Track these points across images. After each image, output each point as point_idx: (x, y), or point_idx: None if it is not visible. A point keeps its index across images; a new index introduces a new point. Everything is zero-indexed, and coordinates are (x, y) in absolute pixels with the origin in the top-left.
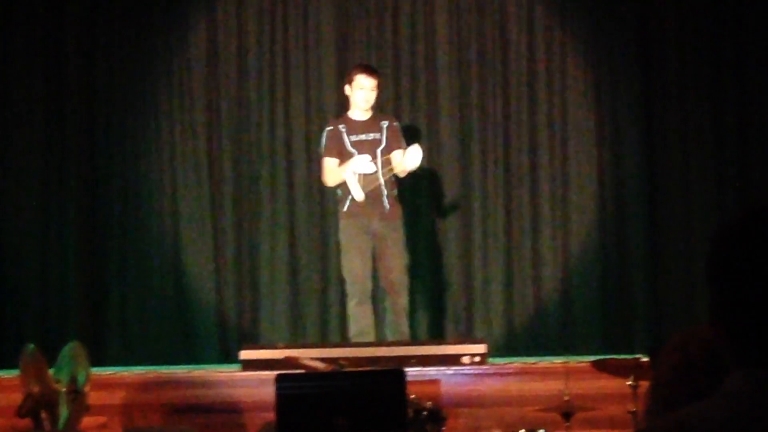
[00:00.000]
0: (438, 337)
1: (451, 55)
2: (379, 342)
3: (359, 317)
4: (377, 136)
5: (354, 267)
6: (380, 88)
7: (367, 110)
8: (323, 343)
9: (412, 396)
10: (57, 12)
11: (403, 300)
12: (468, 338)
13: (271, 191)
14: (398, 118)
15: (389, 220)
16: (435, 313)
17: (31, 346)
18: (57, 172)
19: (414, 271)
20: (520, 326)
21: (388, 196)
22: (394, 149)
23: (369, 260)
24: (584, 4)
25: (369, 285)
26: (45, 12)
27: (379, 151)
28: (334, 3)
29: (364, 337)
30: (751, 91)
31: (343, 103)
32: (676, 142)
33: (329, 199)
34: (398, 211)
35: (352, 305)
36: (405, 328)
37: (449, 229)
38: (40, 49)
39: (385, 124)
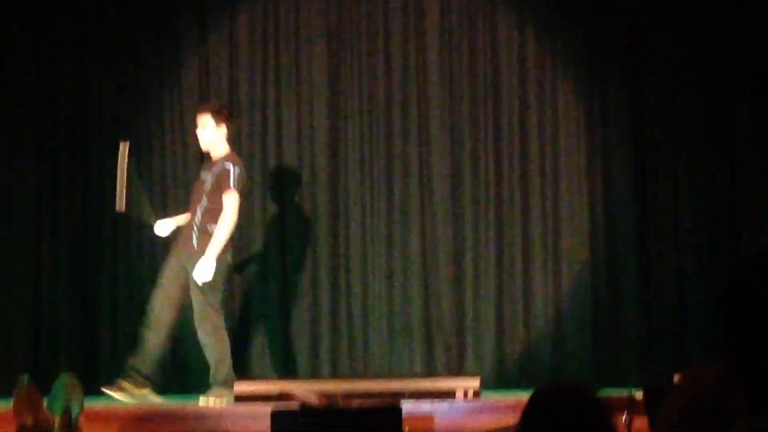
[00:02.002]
0: (430, 372)
1: (443, 89)
2: (372, 376)
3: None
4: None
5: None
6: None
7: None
8: (315, 377)
9: (407, 431)
10: (49, 42)
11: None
12: (462, 373)
13: (262, 226)
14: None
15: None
16: (426, 347)
17: (25, 376)
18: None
19: (406, 305)
20: (511, 361)
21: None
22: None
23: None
24: (576, 38)
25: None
26: (37, 43)
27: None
28: (326, 42)
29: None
30: (744, 123)
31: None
32: (668, 179)
33: (321, 228)
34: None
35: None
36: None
37: (441, 264)
38: (32, 80)
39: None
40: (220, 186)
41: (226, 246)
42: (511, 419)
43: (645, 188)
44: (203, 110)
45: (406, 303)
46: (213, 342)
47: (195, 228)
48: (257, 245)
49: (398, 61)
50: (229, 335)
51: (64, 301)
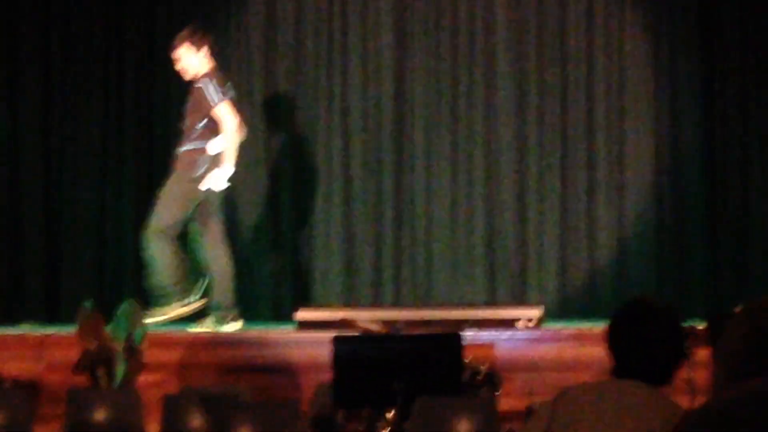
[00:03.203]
0: (492, 301)
1: (509, 32)
2: (434, 305)
3: None
4: None
5: None
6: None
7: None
8: (377, 305)
9: (468, 359)
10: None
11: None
12: (523, 302)
13: (326, 152)
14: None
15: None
16: (488, 276)
17: (89, 303)
18: (115, 133)
19: (469, 234)
20: (574, 291)
21: None
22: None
23: None
24: None
25: None
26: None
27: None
28: None
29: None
30: None
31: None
32: (735, 112)
33: (385, 159)
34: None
35: None
36: None
37: (504, 191)
38: (99, 39)
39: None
40: (196, 106)
41: (195, 173)
42: (572, 349)
43: (713, 118)
44: (178, 43)
45: (470, 232)
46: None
47: (177, 147)
48: (322, 172)
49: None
50: (290, 262)
51: (128, 229)
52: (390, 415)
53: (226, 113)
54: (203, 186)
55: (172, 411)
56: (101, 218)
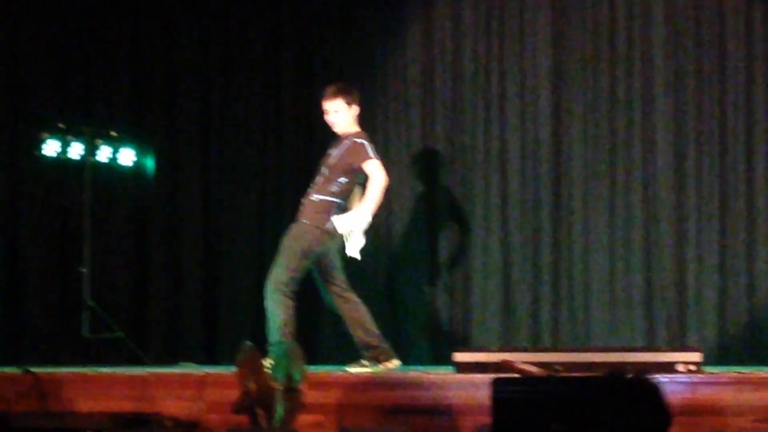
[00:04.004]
0: (650, 345)
1: (666, 49)
2: (593, 348)
3: None
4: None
5: None
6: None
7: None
8: (535, 348)
9: None
10: (274, 17)
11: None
12: (682, 346)
13: (484, 195)
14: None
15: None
16: (647, 319)
17: (249, 343)
18: (274, 178)
19: (627, 277)
20: (733, 335)
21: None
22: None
23: None
24: None
25: None
26: (263, 22)
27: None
28: (550, 5)
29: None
30: None
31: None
32: None
33: (543, 201)
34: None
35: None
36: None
37: (662, 234)
38: (258, 59)
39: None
40: (345, 161)
41: (325, 224)
42: (732, 394)
43: None
44: (333, 95)
45: (628, 275)
46: (270, 316)
47: (305, 198)
48: (479, 216)
49: (623, 32)
50: (448, 304)
51: None
52: None
53: (378, 170)
54: (339, 227)
55: None
56: (258, 258)
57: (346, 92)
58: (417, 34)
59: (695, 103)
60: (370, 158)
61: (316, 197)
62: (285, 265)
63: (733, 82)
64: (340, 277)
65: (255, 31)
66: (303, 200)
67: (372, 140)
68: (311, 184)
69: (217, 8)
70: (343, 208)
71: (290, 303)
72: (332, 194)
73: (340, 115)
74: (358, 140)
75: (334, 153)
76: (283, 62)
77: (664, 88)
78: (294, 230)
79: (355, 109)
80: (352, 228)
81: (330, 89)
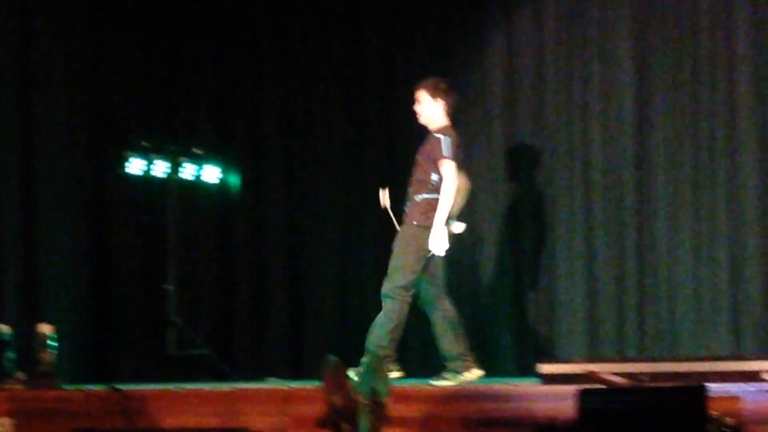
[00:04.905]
0: (737, 353)
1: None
2: (679, 357)
3: None
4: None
5: None
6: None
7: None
8: (621, 358)
9: (715, 413)
10: (356, 30)
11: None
12: None
13: (568, 203)
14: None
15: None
16: (733, 328)
17: (333, 357)
18: (357, 193)
19: (713, 285)
20: None
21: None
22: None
23: None
24: None
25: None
26: (344, 34)
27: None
28: (631, 15)
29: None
30: None
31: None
32: None
33: (627, 208)
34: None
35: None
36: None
37: (749, 241)
38: (340, 72)
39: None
40: (431, 157)
41: (425, 230)
42: None
43: None
44: (420, 86)
45: (713, 282)
46: (380, 320)
47: (408, 199)
48: (563, 225)
49: (707, 40)
50: (533, 316)
51: (369, 284)
52: None
53: (447, 171)
54: (437, 252)
55: None
56: (343, 272)
57: (430, 85)
58: (499, 39)
59: None
60: (443, 156)
61: (417, 197)
62: (401, 269)
63: None
64: (441, 280)
65: (337, 43)
66: (410, 199)
67: (457, 136)
68: (410, 183)
69: (299, 23)
70: None
71: (406, 308)
72: (431, 191)
73: (424, 107)
74: (437, 135)
75: (421, 149)
76: (365, 75)
77: (750, 93)
78: (404, 233)
79: (440, 104)
80: (444, 246)
81: (421, 80)
